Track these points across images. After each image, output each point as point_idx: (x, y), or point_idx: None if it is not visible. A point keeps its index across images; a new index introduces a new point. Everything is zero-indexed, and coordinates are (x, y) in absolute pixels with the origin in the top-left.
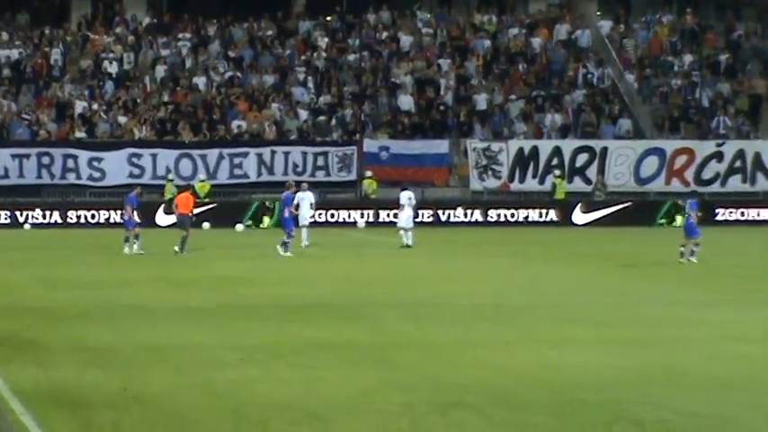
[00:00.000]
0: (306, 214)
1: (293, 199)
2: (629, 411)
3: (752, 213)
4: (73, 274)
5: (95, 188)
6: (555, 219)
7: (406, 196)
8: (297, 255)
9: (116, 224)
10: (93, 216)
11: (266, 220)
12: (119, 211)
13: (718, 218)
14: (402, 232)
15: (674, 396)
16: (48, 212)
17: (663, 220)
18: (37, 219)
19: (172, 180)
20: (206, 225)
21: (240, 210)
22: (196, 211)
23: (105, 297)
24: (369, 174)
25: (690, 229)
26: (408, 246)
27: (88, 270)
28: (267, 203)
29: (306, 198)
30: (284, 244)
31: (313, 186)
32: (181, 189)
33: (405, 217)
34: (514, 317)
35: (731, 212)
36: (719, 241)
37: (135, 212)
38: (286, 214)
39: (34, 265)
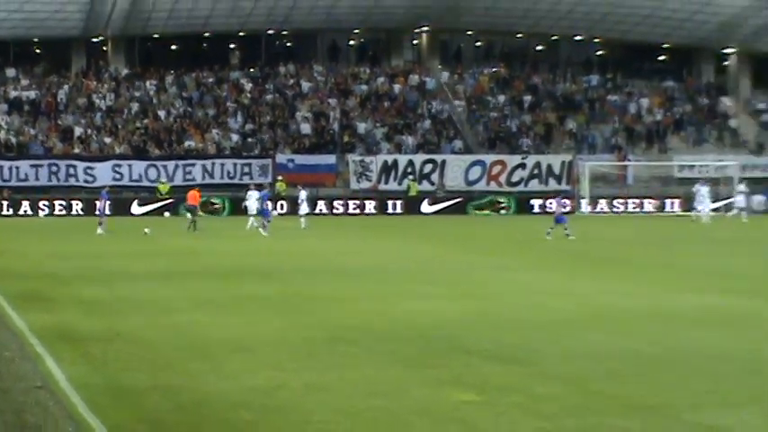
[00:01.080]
0: (252, 206)
1: (269, 196)
2: (462, 342)
3: (547, 205)
4: (72, 249)
5: (89, 188)
6: (409, 209)
7: (304, 194)
8: (237, 236)
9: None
10: (88, 207)
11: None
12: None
13: (535, 209)
14: (302, 219)
15: (492, 332)
16: (56, 205)
17: (486, 211)
18: (47, 210)
19: (164, 182)
20: (166, 214)
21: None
22: (161, 204)
23: (96, 265)
24: (280, 178)
25: (559, 218)
26: (304, 229)
27: (83, 246)
28: (211, 200)
29: (252, 195)
30: (264, 227)
31: (239, 188)
32: (189, 188)
33: (302, 208)
34: (381, 277)
35: (540, 204)
36: (530, 225)
37: (106, 204)
38: (264, 206)
39: (45, 242)
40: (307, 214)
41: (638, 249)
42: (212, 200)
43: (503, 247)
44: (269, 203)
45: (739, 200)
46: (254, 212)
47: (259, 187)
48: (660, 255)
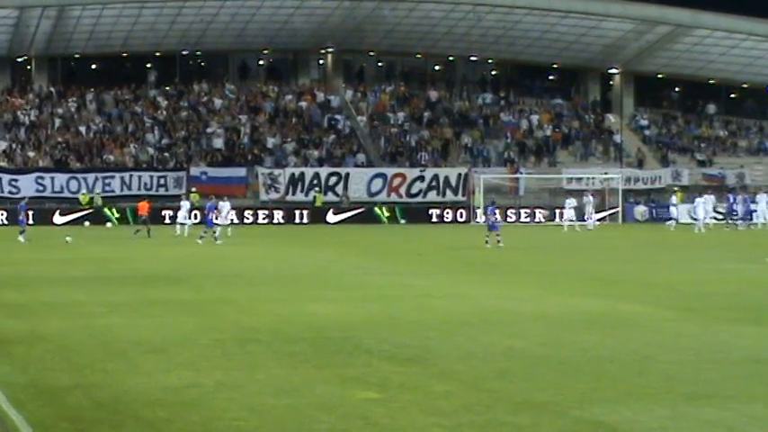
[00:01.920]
0: (183, 215)
1: (215, 206)
2: (363, 343)
3: (444, 215)
4: None
5: (14, 199)
6: (315, 219)
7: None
8: (153, 243)
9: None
10: (12, 217)
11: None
12: (30, 212)
13: (433, 219)
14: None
15: (391, 334)
16: None
17: (385, 220)
18: None
19: (99, 193)
20: (86, 223)
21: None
22: (81, 214)
23: (19, 271)
24: (194, 189)
25: (492, 226)
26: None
27: (6, 253)
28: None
29: (184, 205)
30: (201, 237)
31: (155, 199)
32: (140, 199)
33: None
34: (288, 282)
35: (437, 214)
36: (427, 233)
37: (25, 215)
38: (209, 216)
39: None
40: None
41: (529, 256)
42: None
43: (402, 255)
44: (212, 214)
45: (568, 213)
46: (183, 221)
47: (187, 197)
48: (548, 261)
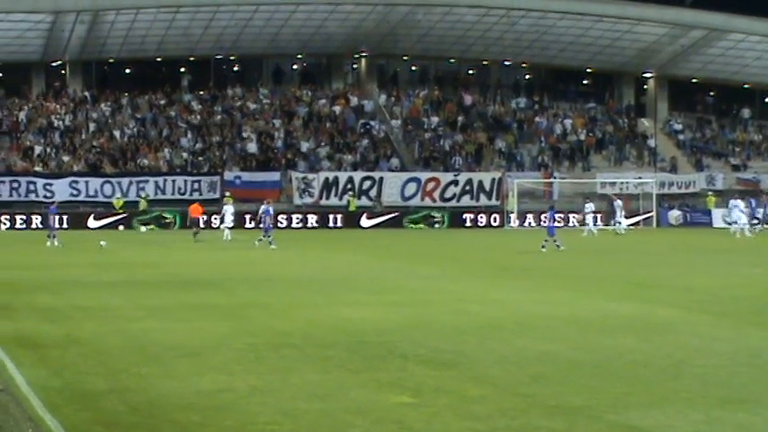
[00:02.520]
0: (228, 219)
1: (269, 210)
2: (398, 348)
3: (478, 219)
4: (31, 260)
5: (48, 203)
6: (349, 223)
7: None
8: (188, 248)
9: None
10: (47, 221)
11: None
12: (64, 216)
13: (467, 223)
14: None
15: (425, 338)
16: (17, 219)
17: (420, 225)
18: (8, 223)
19: (145, 198)
20: (121, 228)
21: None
22: (116, 218)
23: (53, 275)
24: (228, 194)
25: (550, 230)
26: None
27: (41, 257)
28: (164, 215)
29: (228, 209)
30: (259, 240)
31: (189, 204)
32: (191, 202)
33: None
34: (322, 286)
35: (471, 218)
36: (461, 237)
37: (55, 219)
38: (268, 221)
39: (5, 254)
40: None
41: (563, 260)
42: (164, 214)
43: (436, 259)
44: (268, 218)
45: (589, 218)
46: (230, 225)
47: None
48: (583, 265)
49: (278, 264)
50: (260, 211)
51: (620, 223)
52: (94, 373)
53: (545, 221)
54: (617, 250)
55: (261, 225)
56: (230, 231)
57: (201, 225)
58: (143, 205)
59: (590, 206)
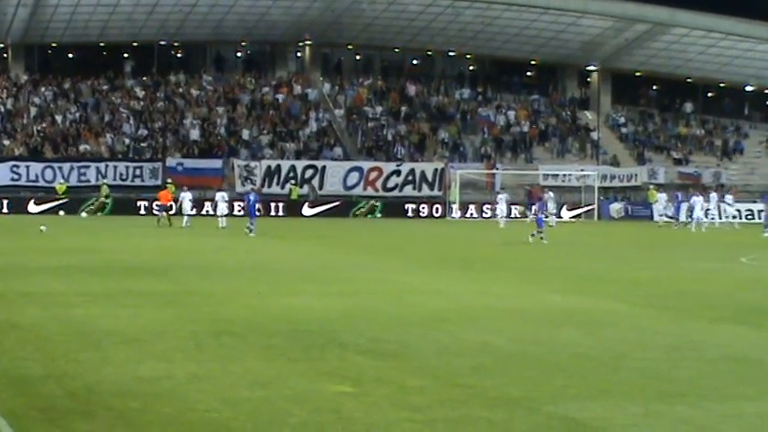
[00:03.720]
0: (187, 206)
1: (258, 198)
2: (338, 337)
3: (420, 209)
4: None
5: None
6: (291, 212)
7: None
8: (128, 234)
9: (3, 213)
10: None
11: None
12: (5, 201)
13: (409, 213)
14: (219, 220)
15: (367, 328)
16: None
17: (359, 213)
18: None
19: (61, 183)
20: (61, 213)
21: (84, 202)
22: (57, 203)
23: None
24: (169, 181)
25: (538, 222)
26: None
27: None
28: (103, 199)
29: (186, 196)
30: (248, 228)
31: (130, 189)
32: (161, 187)
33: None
34: (266, 275)
35: (413, 208)
36: (403, 227)
37: None
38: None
39: None
40: (191, 215)
41: (506, 252)
42: (104, 200)
43: (378, 249)
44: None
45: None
46: (189, 212)
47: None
48: (525, 257)
49: (222, 251)
50: (247, 199)
51: (553, 215)
52: (32, 358)
53: (535, 214)
54: (560, 242)
55: (247, 212)
56: (189, 218)
57: (170, 212)
58: (62, 190)
59: (503, 196)
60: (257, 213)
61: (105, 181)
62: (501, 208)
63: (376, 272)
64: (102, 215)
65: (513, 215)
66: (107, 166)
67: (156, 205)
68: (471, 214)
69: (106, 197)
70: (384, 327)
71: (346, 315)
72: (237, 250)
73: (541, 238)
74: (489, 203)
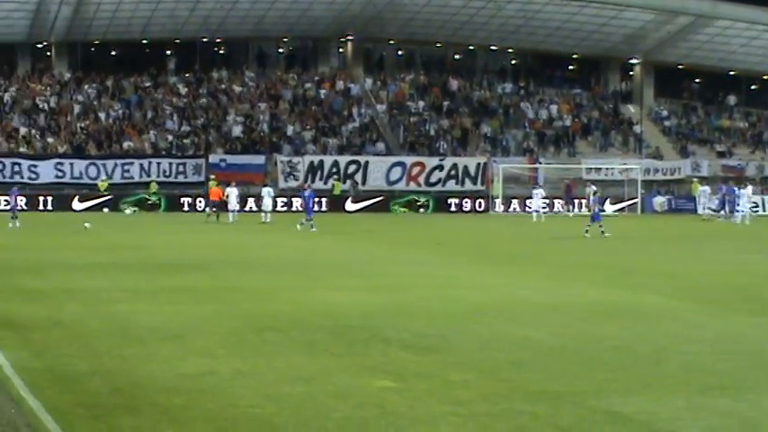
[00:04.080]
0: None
1: (314, 195)
2: (381, 332)
3: (463, 204)
4: (15, 242)
5: (33, 185)
6: (334, 207)
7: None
8: (173, 231)
9: (48, 210)
10: (31, 203)
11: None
12: (49, 198)
13: (452, 208)
14: (263, 215)
15: (410, 323)
16: (0, 200)
17: (403, 209)
18: None
19: (103, 180)
20: (105, 210)
21: (126, 199)
22: (101, 200)
23: (35, 257)
24: (212, 177)
25: (595, 216)
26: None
27: (25, 239)
28: (146, 197)
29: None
30: (301, 224)
31: (174, 186)
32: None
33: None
34: (309, 271)
35: (456, 203)
36: (447, 222)
37: (17, 200)
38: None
39: None
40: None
41: (548, 247)
42: (148, 197)
43: (421, 243)
44: (311, 202)
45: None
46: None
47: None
48: (567, 251)
49: (264, 247)
50: (304, 196)
51: (603, 211)
52: (77, 355)
53: (591, 207)
54: (601, 237)
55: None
56: (233, 215)
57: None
58: (103, 187)
59: (538, 191)
60: (314, 210)
61: (153, 178)
62: (536, 203)
63: (419, 266)
64: (149, 213)
65: (554, 210)
66: (150, 162)
67: (210, 202)
68: (514, 209)
69: (154, 194)
70: (427, 321)
71: (389, 310)
72: (283, 246)
73: (603, 231)
74: (532, 198)
